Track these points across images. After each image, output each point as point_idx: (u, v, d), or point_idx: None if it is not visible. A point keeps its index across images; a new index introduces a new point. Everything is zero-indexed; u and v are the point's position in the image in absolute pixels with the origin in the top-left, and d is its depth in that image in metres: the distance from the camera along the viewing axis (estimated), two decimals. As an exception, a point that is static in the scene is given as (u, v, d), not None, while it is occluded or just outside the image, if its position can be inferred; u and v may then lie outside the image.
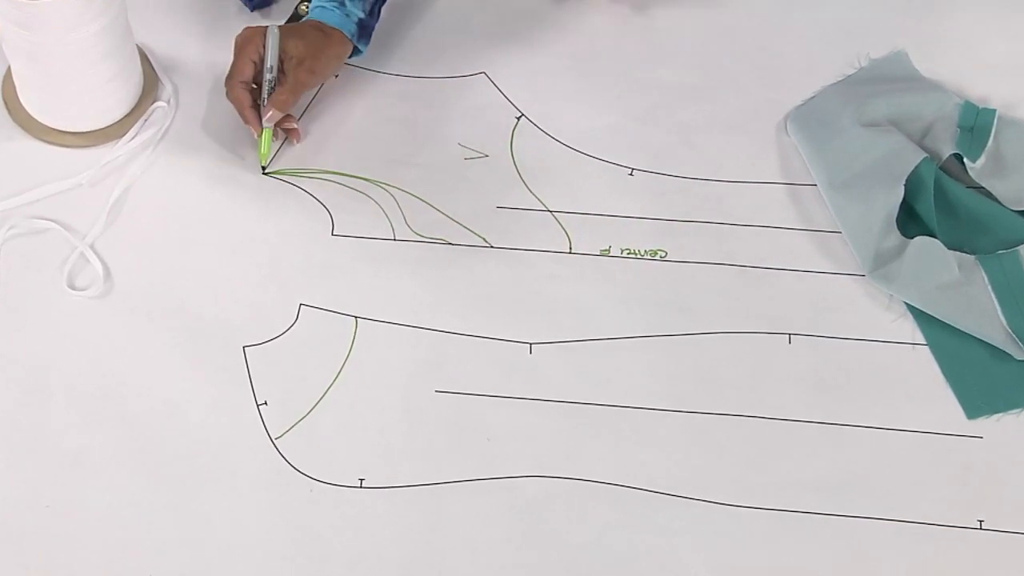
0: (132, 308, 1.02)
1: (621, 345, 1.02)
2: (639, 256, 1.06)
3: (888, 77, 1.16)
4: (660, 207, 1.09)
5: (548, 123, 1.14)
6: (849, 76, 1.17)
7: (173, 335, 1.01)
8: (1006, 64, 1.18)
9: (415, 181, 1.10)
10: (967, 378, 1.00)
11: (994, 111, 1.12)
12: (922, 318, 1.03)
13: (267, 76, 1.08)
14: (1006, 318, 1.02)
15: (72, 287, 1.02)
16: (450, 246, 1.06)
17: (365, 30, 1.10)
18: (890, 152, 1.07)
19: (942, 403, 1.00)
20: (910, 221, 1.07)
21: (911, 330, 1.03)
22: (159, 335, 1.00)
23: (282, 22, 1.18)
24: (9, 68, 1.10)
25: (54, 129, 1.10)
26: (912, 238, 1.04)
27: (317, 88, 1.14)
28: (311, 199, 1.08)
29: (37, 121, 1.10)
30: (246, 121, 1.08)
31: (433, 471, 0.95)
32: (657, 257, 1.06)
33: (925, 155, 1.07)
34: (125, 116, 1.11)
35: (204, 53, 1.17)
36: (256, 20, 1.19)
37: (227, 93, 1.08)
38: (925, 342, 1.02)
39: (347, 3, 1.09)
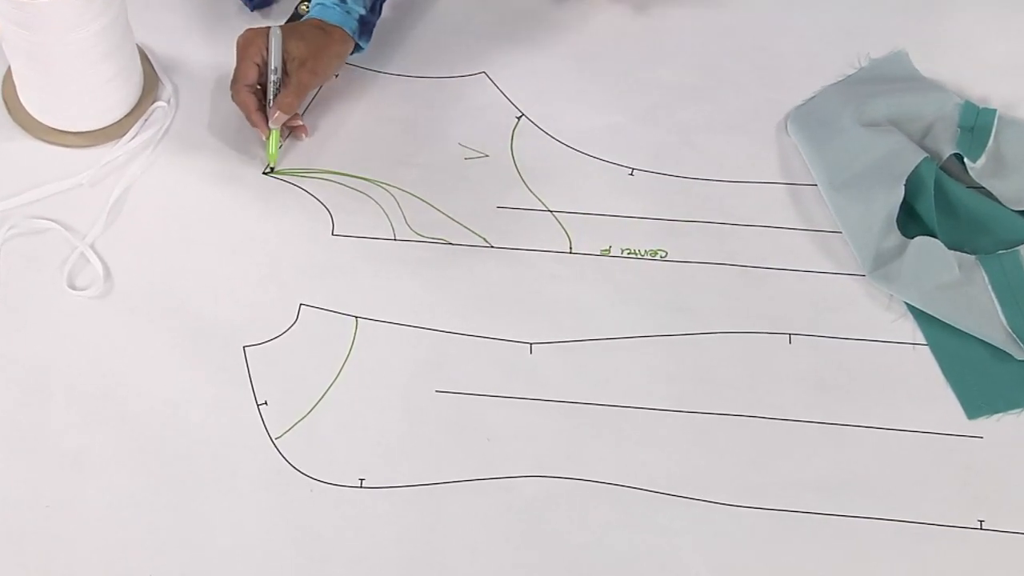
0: (132, 308, 1.02)
1: (621, 345, 1.02)
2: (639, 256, 1.06)
3: (888, 77, 1.16)
4: (660, 207, 1.09)
5: (548, 123, 1.14)
6: (849, 76, 1.17)
7: (173, 335, 1.01)
8: (1006, 64, 1.18)
9: (415, 181, 1.09)
10: (967, 378, 1.00)
11: (994, 111, 1.12)
12: (922, 318, 1.03)
13: (271, 78, 1.08)
14: (1006, 318, 1.02)
15: (72, 287, 1.02)
16: (450, 246, 1.06)
17: (366, 27, 1.10)
18: (890, 152, 1.07)
19: (942, 403, 1.00)
20: (910, 221, 1.07)
21: (911, 330, 1.03)
22: (159, 335, 1.00)
23: (282, 22, 1.18)
24: (9, 68, 1.10)
25: (54, 129, 1.10)
26: (912, 238, 1.04)
27: (318, 87, 1.14)
28: (311, 199, 1.08)
29: (37, 121, 1.10)
30: (253, 124, 1.08)
31: (433, 471, 0.95)
32: (657, 257, 1.06)
33: (925, 155, 1.07)
34: (125, 116, 1.11)
35: (204, 53, 1.17)
36: (256, 20, 1.19)
37: (232, 97, 1.08)
38: (925, 342, 1.02)
39: (348, 0, 1.09)
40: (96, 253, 1.04)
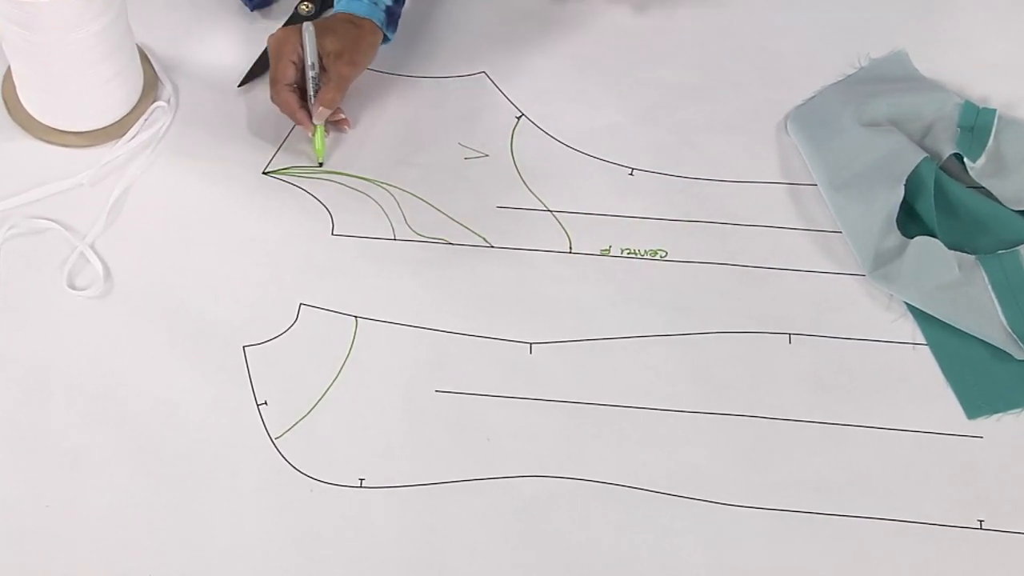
0: (132, 308, 1.02)
1: (621, 345, 1.02)
2: (639, 256, 1.06)
3: (888, 77, 1.16)
4: (660, 207, 1.09)
5: (548, 123, 1.14)
6: (849, 76, 1.17)
7: (173, 335, 1.00)
8: (1006, 64, 1.18)
9: (415, 181, 1.09)
10: (967, 378, 1.00)
11: (994, 111, 1.12)
12: (922, 318, 1.03)
13: (310, 74, 1.07)
14: (1006, 318, 1.02)
15: (72, 287, 1.02)
16: (450, 246, 1.06)
17: (393, 17, 1.11)
18: (890, 152, 1.07)
19: (942, 403, 1.00)
20: (910, 221, 1.07)
21: (911, 330, 1.03)
22: (159, 335, 1.00)
23: (282, 22, 1.18)
24: (9, 68, 1.10)
25: (54, 129, 1.10)
26: (912, 238, 1.04)
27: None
28: (311, 199, 1.08)
29: (37, 121, 1.10)
30: (297, 122, 1.08)
31: (433, 471, 0.95)
32: (657, 257, 1.06)
33: (925, 155, 1.07)
34: (125, 116, 1.11)
35: (204, 53, 1.17)
36: (256, 20, 1.19)
37: (273, 98, 1.08)
38: (925, 342, 1.02)
39: None
40: (96, 253, 1.04)
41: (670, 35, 1.20)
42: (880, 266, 1.04)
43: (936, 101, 1.13)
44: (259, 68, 1.15)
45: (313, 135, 1.08)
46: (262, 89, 1.14)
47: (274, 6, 1.20)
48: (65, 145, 1.10)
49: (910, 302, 1.03)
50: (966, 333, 1.02)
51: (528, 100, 1.15)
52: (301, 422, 0.97)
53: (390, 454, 0.96)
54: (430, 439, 0.97)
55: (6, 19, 1.01)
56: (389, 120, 1.13)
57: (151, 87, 1.13)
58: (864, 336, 1.03)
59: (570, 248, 1.07)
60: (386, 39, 1.11)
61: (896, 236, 1.05)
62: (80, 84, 1.06)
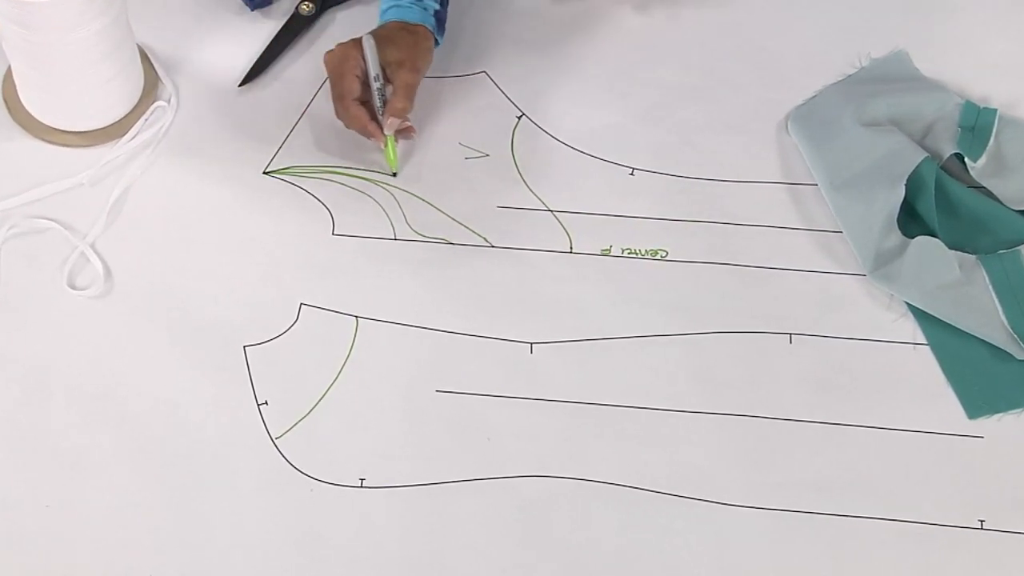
0: (132, 308, 1.02)
1: (622, 345, 1.02)
2: (640, 256, 1.06)
3: (889, 77, 1.16)
4: (661, 207, 1.09)
5: (549, 123, 1.14)
6: (850, 76, 1.17)
7: (173, 335, 1.00)
8: (1007, 64, 1.18)
9: (416, 181, 1.09)
10: (968, 378, 1.00)
11: (995, 111, 1.12)
12: (923, 318, 1.03)
13: (375, 86, 1.07)
14: (1007, 318, 1.02)
15: (72, 287, 1.02)
16: (451, 246, 1.06)
17: (441, 21, 1.11)
18: (891, 152, 1.07)
19: (943, 403, 0.99)
20: (911, 221, 1.07)
21: (912, 330, 1.03)
22: (159, 335, 1.00)
23: (283, 21, 1.18)
24: (9, 68, 1.10)
25: (54, 128, 1.10)
26: (913, 238, 1.04)
27: (316, 91, 1.14)
28: (311, 199, 1.08)
29: (37, 120, 1.10)
30: (368, 135, 1.07)
31: (433, 471, 0.95)
32: (658, 257, 1.06)
33: (926, 155, 1.07)
34: (125, 116, 1.11)
35: (204, 53, 1.17)
36: (256, 20, 1.19)
37: (341, 114, 1.07)
38: (926, 342, 1.02)
39: None
40: (96, 253, 1.04)
41: (670, 35, 1.20)
42: (881, 266, 1.04)
43: (937, 101, 1.13)
44: (259, 67, 1.15)
45: (385, 146, 1.07)
46: (262, 89, 1.14)
47: (274, 6, 1.20)
48: (65, 145, 1.10)
49: (911, 302, 1.03)
50: (967, 333, 1.02)
51: (528, 100, 1.15)
52: (301, 422, 0.97)
53: (390, 454, 0.96)
54: (431, 439, 0.97)
55: (6, 19, 1.00)
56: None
57: (151, 87, 1.13)
58: (865, 336, 1.02)
59: (571, 248, 1.07)
60: (436, 42, 1.11)
61: (897, 236, 1.05)
62: (80, 84, 1.06)
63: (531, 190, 1.10)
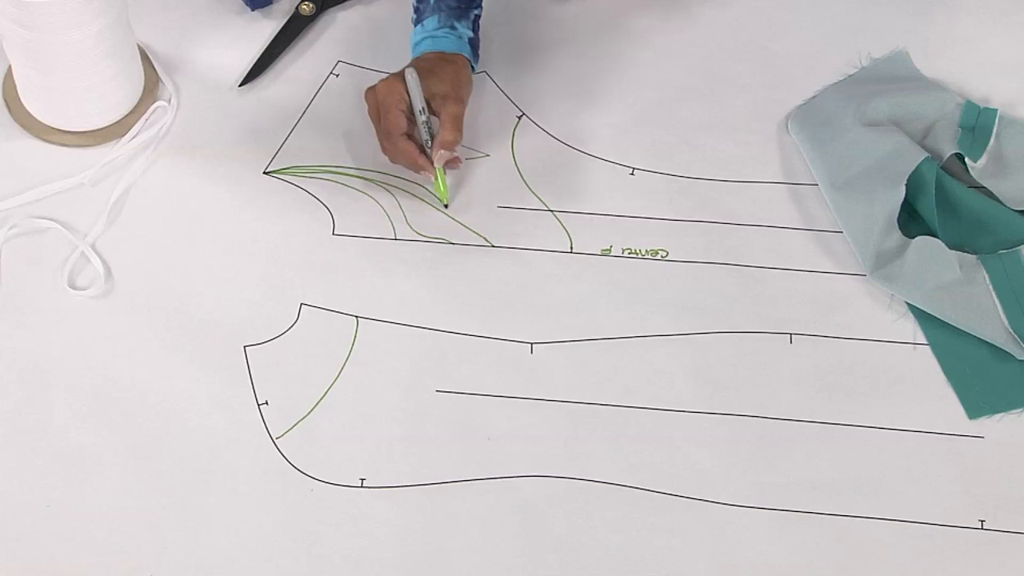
0: (132, 308, 1.02)
1: (622, 345, 1.02)
2: (640, 256, 1.06)
3: (889, 77, 1.16)
4: (661, 207, 1.09)
5: (549, 123, 1.14)
6: (850, 76, 1.17)
7: (173, 335, 1.00)
8: (1008, 63, 1.18)
9: (416, 181, 1.09)
10: (968, 378, 1.00)
11: (995, 111, 1.12)
12: (923, 318, 1.03)
13: (421, 119, 1.05)
14: (1007, 318, 1.02)
15: (73, 286, 1.02)
16: (451, 246, 1.06)
17: (475, 48, 1.10)
18: (891, 152, 1.07)
19: (943, 403, 0.99)
20: (911, 221, 1.07)
21: (912, 330, 1.03)
22: (159, 335, 1.00)
23: (283, 22, 1.18)
24: (10, 68, 1.10)
25: (55, 128, 1.10)
26: (913, 238, 1.04)
27: (316, 91, 1.14)
28: (312, 199, 1.08)
29: (38, 120, 1.10)
30: (418, 169, 1.05)
31: (434, 471, 0.95)
32: (658, 257, 1.06)
33: (926, 155, 1.06)
34: (126, 115, 1.11)
35: (205, 53, 1.17)
36: (257, 20, 1.19)
37: (388, 151, 1.06)
38: (926, 342, 1.02)
39: (456, 25, 1.08)
40: (97, 253, 1.04)
41: (670, 35, 1.20)
42: (881, 266, 1.04)
43: (937, 101, 1.13)
44: (259, 68, 1.15)
45: (436, 179, 1.06)
46: (263, 89, 1.14)
47: (274, 6, 1.20)
48: (66, 145, 1.10)
49: (911, 302, 1.03)
50: (967, 333, 1.02)
51: (529, 100, 1.15)
52: (302, 422, 0.97)
53: (391, 454, 0.96)
54: (431, 439, 0.97)
55: (7, 18, 1.01)
56: (390, 120, 1.13)
57: (152, 87, 1.13)
58: (865, 336, 1.02)
59: (571, 248, 1.07)
60: (472, 69, 1.10)
61: (897, 236, 1.05)
62: (81, 84, 1.06)
63: (531, 190, 1.10)
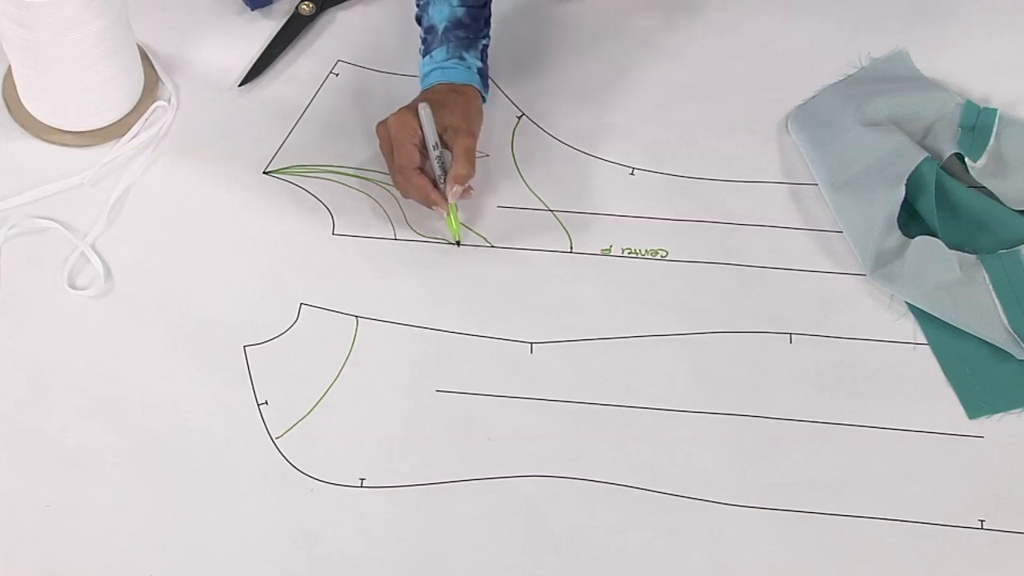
0: (132, 308, 1.02)
1: (622, 345, 1.02)
2: (640, 256, 1.06)
3: (889, 77, 1.16)
4: (661, 206, 1.09)
5: (549, 123, 1.14)
6: (850, 76, 1.17)
7: (173, 335, 1.00)
8: (1007, 63, 1.18)
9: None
10: (968, 378, 1.00)
11: (995, 111, 1.12)
12: (923, 318, 1.03)
13: (434, 154, 1.04)
14: (1007, 318, 1.02)
15: (72, 286, 1.02)
16: (451, 246, 1.06)
17: (484, 77, 1.09)
18: (891, 152, 1.07)
19: (943, 403, 0.99)
20: (911, 221, 1.07)
21: (912, 330, 1.03)
22: (159, 335, 1.00)
23: (283, 22, 1.18)
24: (10, 68, 1.10)
25: (55, 128, 1.10)
26: (913, 238, 1.04)
27: (316, 91, 1.14)
28: (312, 199, 1.08)
29: (38, 120, 1.10)
30: (430, 204, 1.04)
31: (434, 471, 0.95)
32: (658, 257, 1.06)
33: (926, 154, 1.06)
34: (126, 115, 1.11)
35: (205, 53, 1.17)
36: (256, 20, 1.19)
37: (401, 185, 1.05)
38: (926, 342, 1.02)
39: (465, 56, 1.07)
40: (96, 252, 1.04)
41: (670, 35, 1.20)
42: (881, 266, 1.04)
43: (937, 101, 1.13)
44: (259, 67, 1.15)
45: (447, 214, 1.05)
46: (263, 89, 1.14)
47: (274, 6, 1.20)
48: (66, 145, 1.10)
49: (911, 302, 1.03)
50: (967, 333, 1.02)
51: (528, 100, 1.15)
52: (302, 422, 0.97)
53: (390, 454, 0.96)
54: (431, 439, 0.97)
55: (6, 18, 1.01)
56: (390, 120, 1.13)
57: (151, 87, 1.13)
58: (865, 336, 1.02)
59: (571, 248, 1.07)
60: (482, 99, 1.09)
61: (897, 236, 1.05)
62: (80, 84, 1.06)
63: (531, 190, 1.10)
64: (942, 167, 1.08)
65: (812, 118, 1.13)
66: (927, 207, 1.06)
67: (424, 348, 1.01)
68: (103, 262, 1.03)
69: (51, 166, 1.08)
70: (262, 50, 1.16)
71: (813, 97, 1.16)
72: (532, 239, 1.07)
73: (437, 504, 0.94)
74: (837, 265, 1.06)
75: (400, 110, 1.06)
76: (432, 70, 1.07)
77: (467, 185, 1.04)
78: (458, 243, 1.06)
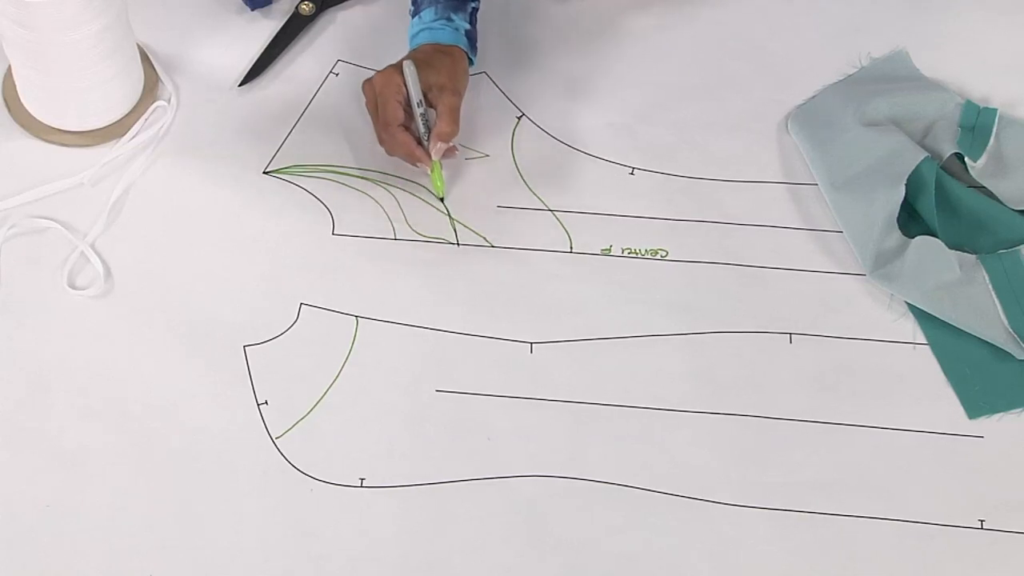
0: (132, 307, 1.02)
1: (622, 345, 1.02)
2: (640, 255, 1.06)
3: (889, 76, 1.16)
4: (661, 206, 1.09)
5: (549, 123, 1.14)
6: (850, 75, 1.17)
7: (173, 335, 1.00)
8: (1007, 63, 1.18)
9: (416, 181, 1.09)
10: (968, 378, 1.00)
11: (995, 110, 1.12)
12: (923, 318, 1.03)
13: (419, 111, 1.06)
14: (1007, 317, 1.02)
15: (72, 286, 1.02)
16: (451, 246, 1.06)
17: (472, 40, 1.10)
18: (891, 151, 1.07)
19: (943, 403, 0.99)
20: (911, 221, 1.07)
21: (912, 330, 1.03)
22: (159, 335, 1.00)
23: (283, 22, 1.18)
24: (10, 68, 1.10)
25: (55, 128, 1.10)
26: (913, 237, 1.04)
27: (316, 91, 1.14)
28: (312, 198, 1.08)
29: (38, 120, 1.10)
30: (416, 160, 1.05)
31: (434, 471, 0.95)
32: (658, 256, 1.06)
33: (926, 154, 1.06)
34: (126, 115, 1.11)
35: (205, 53, 1.17)
36: (256, 20, 1.19)
37: (385, 142, 1.06)
38: (926, 342, 1.02)
39: (453, 17, 1.08)
40: (96, 252, 1.04)
41: (670, 34, 1.20)
42: (881, 266, 1.04)
43: (937, 101, 1.13)
44: (259, 67, 1.15)
45: (432, 171, 1.06)
46: (263, 89, 1.14)
47: (274, 6, 1.20)
48: (66, 145, 1.10)
49: (911, 302, 1.03)
50: (967, 333, 1.02)
51: (528, 100, 1.15)
52: (301, 422, 0.97)
53: (390, 454, 0.96)
54: (431, 439, 0.97)
55: (6, 18, 1.00)
56: (389, 120, 1.13)
57: (151, 87, 1.13)
58: (865, 336, 1.02)
59: (571, 248, 1.07)
60: (470, 61, 1.10)
61: (897, 236, 1.05)
62: (80, 83, 1.06)
63: (531, 190, 1.10)
64: (942, 167, 1.08)
65: (812, 118, 1.13)
66: (927, 207, 1.06)
67: (424, 348, 1.01)
68: (103, 262, 1.03)
69: (51, 166, 1.08)
70: (262, 50, 1.16)
71: (813, 97, 1.16)
72: (532, 239, 1.07)
73: (437, 504, 0.94)
74: (837, 265, 1.06)
75: (386, 68, 1.07)
76: (420, 31, 1.09)
77: (452, 144, 1.06)
78: (442, 199, 1.07)
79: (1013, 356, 1.01)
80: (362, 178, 1.10)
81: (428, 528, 0.93)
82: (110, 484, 0.94)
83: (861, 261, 1.05)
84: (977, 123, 1.11)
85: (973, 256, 1.05)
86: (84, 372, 0.98)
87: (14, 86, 1.10)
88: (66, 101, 1.08)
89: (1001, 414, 0.99)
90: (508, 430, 0.97)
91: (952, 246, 1.04)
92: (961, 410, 0.99)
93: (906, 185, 1.05)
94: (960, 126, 1.11)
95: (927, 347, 1.02)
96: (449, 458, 0.96)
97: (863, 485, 0.95)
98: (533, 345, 1.01)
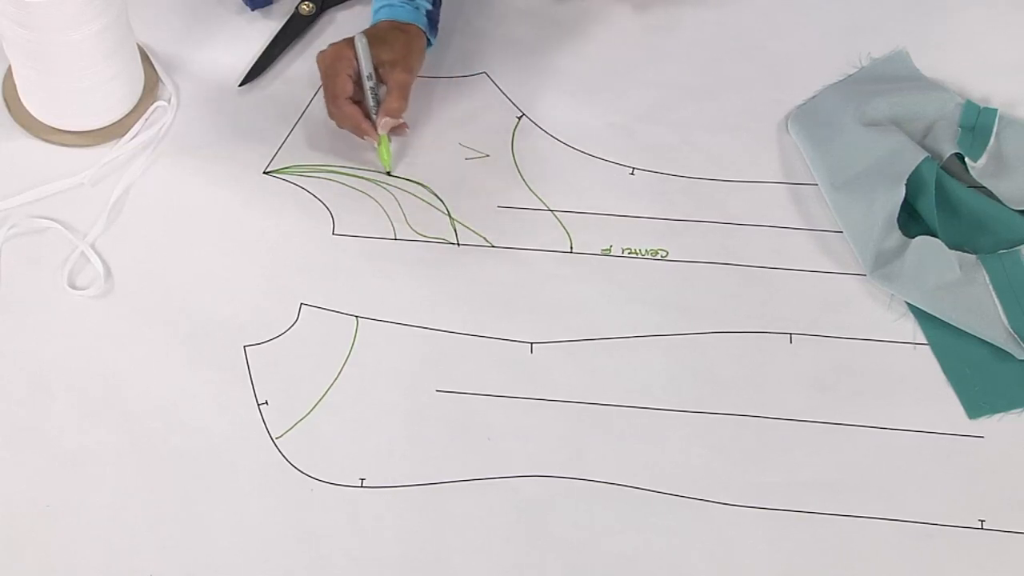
0: (132, 308, 1.02)
1: (622, 345, 1.02)
2: (640, 256, 1.06)
3: (889, 76, 1.16)
4: (661, 207, 1.09)
5: (549, 123, 1.14)
6: (850, 75, 1.17)
7: (173, 335, 1.00)
8: (1008, 63, 1.18)
9: (416, 181, 1.09)
10: (968, 378, 1.00)
11: (995, 111, 1.12)
12: (923, 318, 1.03)
13: (368, 85, 1.07)
14: (1007, 318, 1.02)
15: (72, 286, 1.02)
16: (451, 246, 1.06)
17: (433, 21, 1.11)
18: (891, 151, 1.07)
19: (943, 403, 0.99)
20: (911, 221, 1.07)
21: (912, 330, 1.03)
22: (159, 335, 1.00)
23: (283, 22, 1.18)
24: (10, 67, 1.10)
25: (55, 128, 1.10)
26: (913, 237, 1.04)
27: (316, 91, 1.14)
28: (312, 198, 1.08)
29: (38, 120, 1.10)
30: (361, 134, 1.07)
31: (434, 471, 0.95)
32: (658, 257, 1.06)
33: (926, 154, 1.06)
34: (126, 115, 1.11)
35: (205, 53, 1.17)
36: (256, 20, 1.19)
37: (333, 114, 1.07)
38: (926, 342, 1.02)
39: None
40: (96, 252, 1.04)
41: (670, 35, 1.20)
42: (881, 266, 1.04)
43: (937, 101, 1.13)
44: (259, 68, 1.15)
45: (379, 145, 1.08)
46: (262, 89, 1.15)
47: (274, 6, 1.20)
48: (66, 145, 1.10)
49: (911, 302, 1.03)
50: (967, 333, 1.02)
51: (528, 100, 1.15)
52: (302, 422, 0.97)
53: (391, 454, 0.96)
54: (431, 439, 0.97)
55: (6, 18, 1.01)
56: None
57: (152, 87, 1.13)
58: (865, 336, 1.02)
59: (571, 248, 1.07)
60: (429, 43, 1.11)
61: (897, 236, 1.05)
62: (81, 84, 1.06)
63: (531, 190, 1.10)
64: (942, 167, 1.08)
65: (812, 118, 1.13)
66: (927, 207, 1.06)
67: (424, 348, 1.01)
68: (103, 262, 1.03)
69: (51, 166, 1.08)
70: (262, 50, 1.16)
71: (813, 97, 1.16)
72: (532, 239, 1.07)
73: (437, 504, 0.94)
74: (837, 265, 1.06)
75: (339, 41, 1.08)
76: (381, 7, 1.10)
77: (401, 121, 1.07)
78: (388, 173, 1.09)
79: (1013, 356, 1.01)
80: (362, 178, 1.10)
81: (428, 528, 0.93)
82: (110, 484, 0.94)
83: (861, 261, 1.05)
84: (977, 123, 1.11)
85: (973, 256, 1.05)
86: (84, 372, 0.98)
87: (14, 86, 1.10)
88: (66, 101, 1.08)
89: (1001, 414, 0.99)
90: (508, 430, 0.97)
91: (952, 246, 1.04)
92: (961, 410, 0.99)
93: (906, 185, 1.05)
94: (960, 126, 1.11)
95: (927, 347, 1.02)
96: (449, 458, 0.96)
97: (863, 485, 0.95)
98: (533, 345, 1.01)
